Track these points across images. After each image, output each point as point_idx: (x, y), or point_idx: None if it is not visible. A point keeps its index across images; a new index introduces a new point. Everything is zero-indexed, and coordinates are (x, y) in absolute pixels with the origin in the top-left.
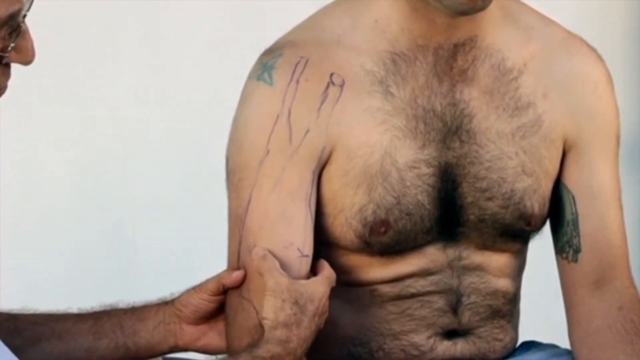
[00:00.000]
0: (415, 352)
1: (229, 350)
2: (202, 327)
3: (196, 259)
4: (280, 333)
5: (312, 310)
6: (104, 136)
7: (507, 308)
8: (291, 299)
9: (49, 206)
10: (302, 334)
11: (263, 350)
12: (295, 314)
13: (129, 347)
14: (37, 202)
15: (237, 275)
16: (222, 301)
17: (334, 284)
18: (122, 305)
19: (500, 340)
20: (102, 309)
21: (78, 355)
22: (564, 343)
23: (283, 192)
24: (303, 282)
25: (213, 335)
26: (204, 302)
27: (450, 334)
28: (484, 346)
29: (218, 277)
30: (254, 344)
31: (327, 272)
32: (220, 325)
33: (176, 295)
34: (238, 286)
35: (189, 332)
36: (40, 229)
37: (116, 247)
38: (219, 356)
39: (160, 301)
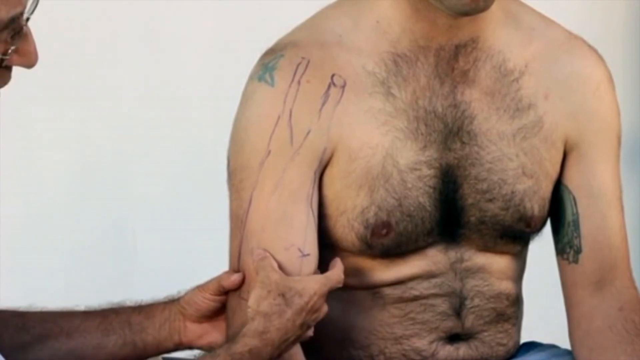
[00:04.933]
0: (417, 357)
1: None
2: (205, 326)
3: (196, 259)
4: (257, 324)
5: (299, 304)
6: (104, 136)
7: (511, 310)
8: (277, 290)
9: (48, 206)
10: (282, 324)
11: (240, 345)
12: (278, 305)
13: (137, 344)
14: (37, 202)
15: (236, 278)
16: (224, 301)
17: (338, 285)
18: (129, 303)
19: (503, 345)
20: (109, 306)
21: (86, 352)
22: (565, 343)
23: (284, 193)
24: (296, 277)
25: (216, 334)
26: (207, 301)
27: (453, 338)
28: (486, 351)
29: (218, 278)
30: (232, 339)
31: (331, 272)
32: (222, 324)
33: (183, 293)
34: (237, 288)
35: (193, 329)
36: (40, 229)
37: (116, 247)
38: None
39: (168, 299)
